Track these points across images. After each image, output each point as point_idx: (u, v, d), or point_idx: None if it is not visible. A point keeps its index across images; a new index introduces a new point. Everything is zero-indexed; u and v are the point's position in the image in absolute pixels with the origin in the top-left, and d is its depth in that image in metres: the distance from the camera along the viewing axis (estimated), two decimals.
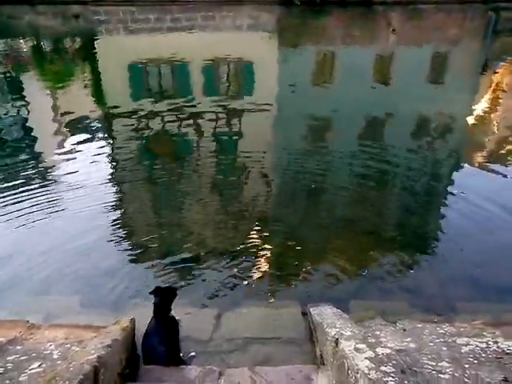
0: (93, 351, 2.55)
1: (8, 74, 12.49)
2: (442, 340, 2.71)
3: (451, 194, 6.07)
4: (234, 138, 8.26)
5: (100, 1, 22.63)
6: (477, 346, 2.60)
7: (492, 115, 9.67)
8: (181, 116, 9.05)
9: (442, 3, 25.72)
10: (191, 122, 8.75)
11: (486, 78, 12.93)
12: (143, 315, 3.64)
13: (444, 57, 15.94)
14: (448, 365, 2.37)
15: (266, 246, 4.86)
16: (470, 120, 9.26)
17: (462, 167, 6.93)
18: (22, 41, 16.76)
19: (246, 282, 4.27)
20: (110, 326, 3.19)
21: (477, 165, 6.93)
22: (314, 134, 8.44)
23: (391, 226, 5.49)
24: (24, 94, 10.90)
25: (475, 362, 2.40)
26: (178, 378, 2.96)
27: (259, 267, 4.51)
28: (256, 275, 4.38)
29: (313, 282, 4.30)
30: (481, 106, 10.16)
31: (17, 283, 4.20)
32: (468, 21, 24.24)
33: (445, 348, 2.59)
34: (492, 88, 11.72)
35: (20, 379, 2.38)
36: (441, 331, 2.86)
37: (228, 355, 3.31)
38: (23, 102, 10.13)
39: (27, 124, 8.82)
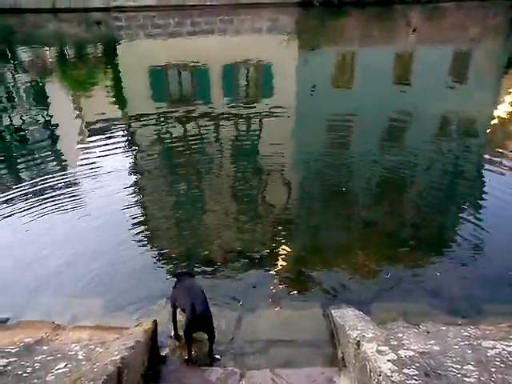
0: (116, 352, 2.59)
1: (33, 81, 12.81)
2: (466, 343, 2.66)
3: (475, 194, 5.96)
4: (254, 139, 8.28)
5: (122, 7, 22.99)
6: (503, 349, 2.54)
7: None
8: (200, 118, 9.11)
9: (463, 1, 25.25)
10: (211, 124, 8.81)
11: (510, 77, 12.65)
12: (165, 317, 3.69)
13: (466, 55, 15.67)
14: (473, 368, 2.33)
15: (288, 247, 4.86)
16: (494, 119, 9.07)
17: (487, 167, 6.76)
18: (46, 48, 17.16)
19: (267, 284, 4.26)
20: (132, 327, 3.23)
21: (503, 164, 6.75)
22: (334, 135, 8.39)
23: (414, 228, 5.42)
24: (48, 99, 11.19)
25: (502, 365, 2.35)
26: (199, 379, 2.98)
27: (281, 269, 4.50)
28: (277, 277, 4.38)
29: (334, 283, 4.27)
30: (505, 105, 9.94)
31: (43, 285, 4.29)
32: (490, 18, 23.75)
33: (470, 351, 2.54)
34: None
35: (47, 379, 2.43)
36: (465, 334, 2.80)
37: (249, 357, 3.32)
38: (48, 107, 10.42)
39: (51, 127, 9.07)
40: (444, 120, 9.04)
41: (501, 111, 9.51)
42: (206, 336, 3.23)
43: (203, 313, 3.11)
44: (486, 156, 7.23)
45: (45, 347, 2.87)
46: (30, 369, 2.51)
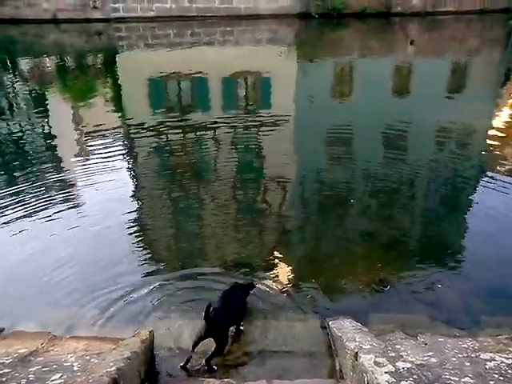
0: (112, 363, 2.57)
1: (34, 91, 12.87)
2: (464, 355, 2.64)
3: (474, 206, 5.96)
4: (253, 151, 8.30)
5: (122, 18, 23.19)
6: (502, 361, 2.52)
7: None
8: (200, 129, 9.14)
9: (461, 13, 25.49)
10: (210, 135, 8.83)
11: (508, 89, 12.73)
12: (162, 327, 3.67)
13: (464, 67, 15.78)
14: (472, 381, 2.31)
15: (285, 258, 4.84)
16: (492, 131, 9.09)
17: (486, 179, 6.75)
18: (46, 58, 17.26)
19: (264, 295, 4.24)
20: (129, 338, 3.20)
21: (501, 176, 6.75)
22: (332, 146, 8.41)
23: (412, 239, 5.41)
24: (48, 108, 11.22)
25: (501, 378, 2.33)
26: None
27: (278, 280, 4.48)
28: (274, 288, 4.36)
29: (332, 295, 4.26)
30: (503, 117, 9.98)
31: (39, 295, 4.27)
32: (488, 31, 23.97)
33: (468, 363, 2.52)
34: None
35: None
36: (464, 346, 2.78)
37: (246, 368, 3.29)
38: (47, 117, 10.45)
39: (50, 137, 9.08)
40: (443, 131, 9.06)
41: (499, 123, 9.53)
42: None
43: (215, 318, 3.14)
44: (486, 168, 7.24)
45: (40, 358, 2.84)
46: (24, 380, 2.49)
